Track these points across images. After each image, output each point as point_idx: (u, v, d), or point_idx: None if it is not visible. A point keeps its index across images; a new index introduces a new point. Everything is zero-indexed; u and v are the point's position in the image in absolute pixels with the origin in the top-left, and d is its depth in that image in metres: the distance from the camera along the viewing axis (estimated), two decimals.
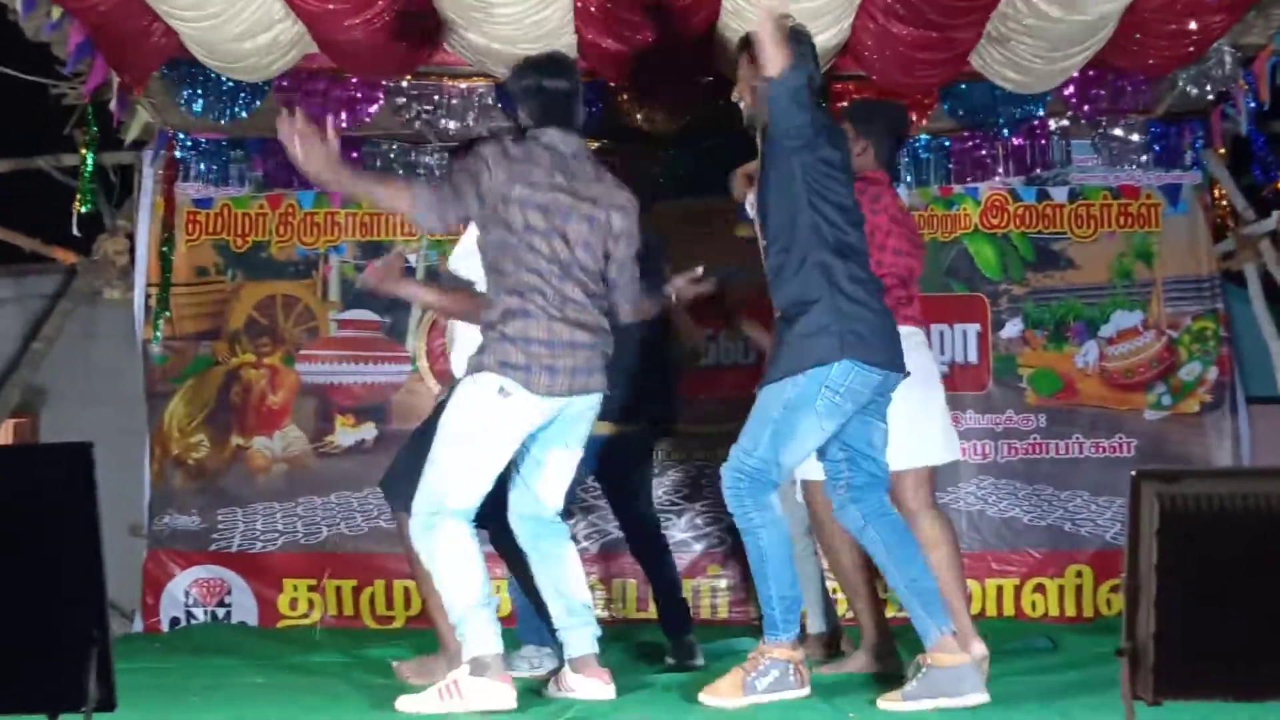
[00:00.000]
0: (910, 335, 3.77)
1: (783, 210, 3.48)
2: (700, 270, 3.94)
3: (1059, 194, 6.10)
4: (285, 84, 5.59)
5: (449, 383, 4.07)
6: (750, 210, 3.70)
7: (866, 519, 3.48)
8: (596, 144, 5.79)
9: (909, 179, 6.03)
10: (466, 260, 3.82)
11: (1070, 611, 5.80)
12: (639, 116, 5.69)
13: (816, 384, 3.39)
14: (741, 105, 3.69)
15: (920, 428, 3.84)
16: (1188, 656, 2.35)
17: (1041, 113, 5.87)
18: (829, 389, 3.39)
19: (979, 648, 3.75)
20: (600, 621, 5.80)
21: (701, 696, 3.44)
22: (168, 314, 6.05)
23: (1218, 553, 2.35)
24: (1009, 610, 5.81)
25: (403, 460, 3.91)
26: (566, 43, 5.17)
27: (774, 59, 3.30)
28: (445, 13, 4.99)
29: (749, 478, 3.44)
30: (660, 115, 5.65)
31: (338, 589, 5.83)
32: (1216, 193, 6.09)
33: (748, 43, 3.60)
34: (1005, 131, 5.91)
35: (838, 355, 3.38)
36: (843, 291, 3.42)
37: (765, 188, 3.55)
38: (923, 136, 5.97)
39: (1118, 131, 5.96)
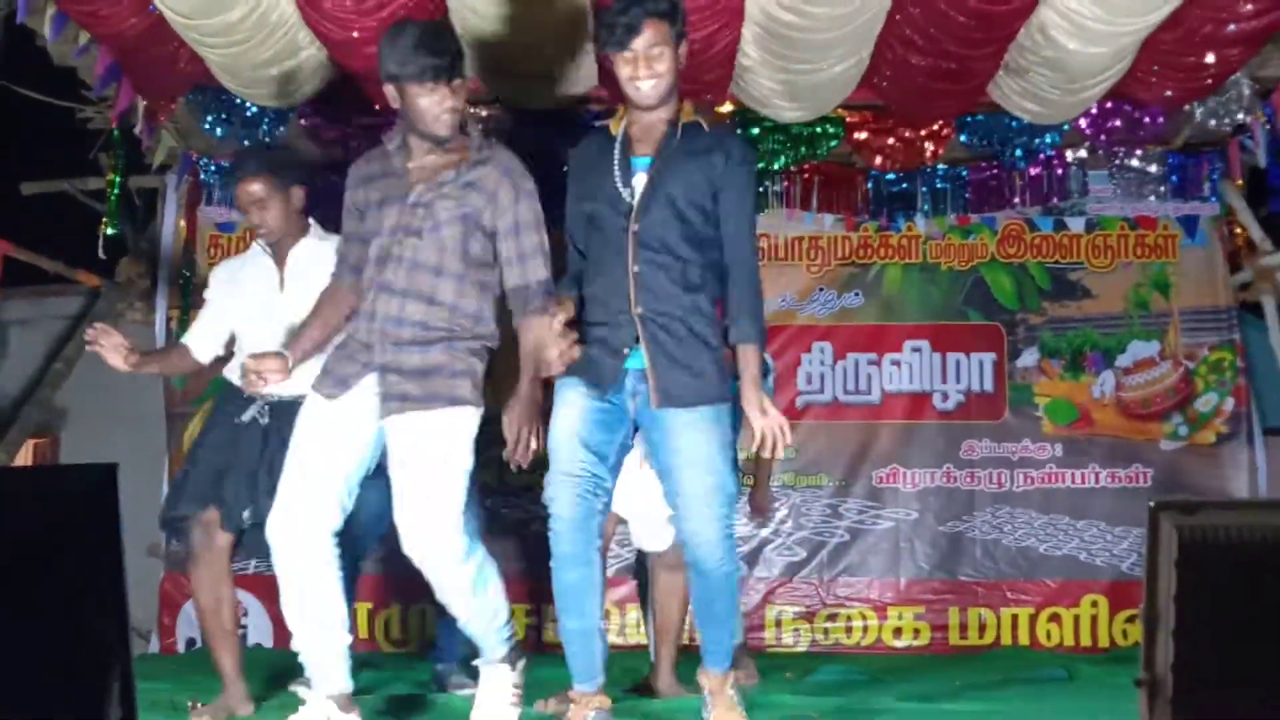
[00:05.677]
0: None
1: (718, 226, 3.19)
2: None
3: (1076, 224, 6.11)
4: (309, 110, 5.64)
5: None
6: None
7: None
8: None
9: (926, 208, 6.05)
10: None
11: (1085, 641, 5.79)
12: None
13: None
14: (653, 82, 3.16)
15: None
16: (1207, 688, 2.35)
17: (1059, 143, 5.88)
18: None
19: None
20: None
21: None
22: None
23: (1237, 584, 2.35)
24: (1024, 639, 5.81)
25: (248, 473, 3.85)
26: (585, 73, 5.21)
27: None
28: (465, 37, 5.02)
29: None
30: None
31: (353, 611, 5.82)
32: (1234, 224, 6.09)
33: (673, 7, 3.15)
34: (1022, 162, 5.92)
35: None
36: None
37: (718, 193, 3.18)
38: (940, 166, 5.98)
39: (1135, 162, 5.97)
